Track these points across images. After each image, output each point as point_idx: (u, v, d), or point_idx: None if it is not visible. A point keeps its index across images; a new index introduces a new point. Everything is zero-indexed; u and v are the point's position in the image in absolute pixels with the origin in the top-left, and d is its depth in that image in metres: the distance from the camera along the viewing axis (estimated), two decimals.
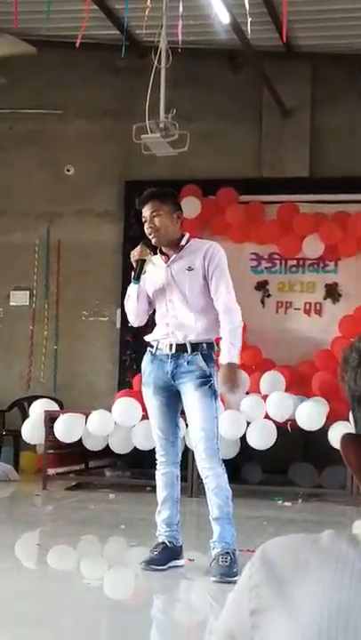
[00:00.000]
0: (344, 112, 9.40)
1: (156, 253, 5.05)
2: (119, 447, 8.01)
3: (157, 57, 6.59)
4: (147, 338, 5.10)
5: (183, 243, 5.01)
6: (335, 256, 9.23)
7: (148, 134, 6.54)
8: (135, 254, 5.01)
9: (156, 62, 6.56)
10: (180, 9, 6.71)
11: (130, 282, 10.18)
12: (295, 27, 8.23)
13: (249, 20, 6.39)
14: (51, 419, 7.99)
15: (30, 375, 10.06)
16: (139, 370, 9.20)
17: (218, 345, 4.99)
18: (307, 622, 0.87)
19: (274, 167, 9.49)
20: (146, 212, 4.98)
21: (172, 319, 4.93)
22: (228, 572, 4.63)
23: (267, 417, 7.75)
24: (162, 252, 5.05)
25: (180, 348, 4.88)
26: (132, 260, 5.04)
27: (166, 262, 5.00)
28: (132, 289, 5.07)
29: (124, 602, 4.83)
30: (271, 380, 8.24)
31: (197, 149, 8.60)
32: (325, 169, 9.40)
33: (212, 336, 4.95)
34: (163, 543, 4.95)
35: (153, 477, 7.95)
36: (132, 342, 9.72)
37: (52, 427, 7.90)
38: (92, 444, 8.05)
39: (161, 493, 5.02)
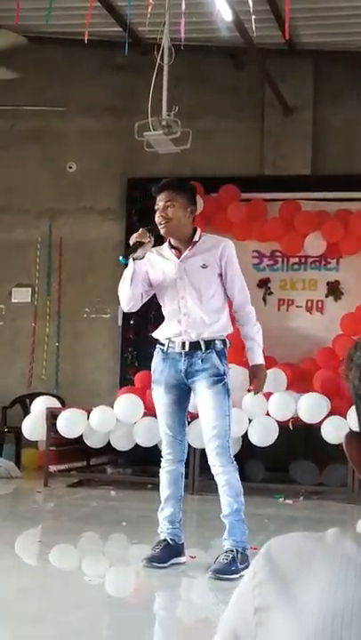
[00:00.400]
0: (346, 110, 9.40)
1: (161, 244, 4.99)
2: (121, 444, 8.01)
3: (160, 54, 6.58)
4: (155, 335, 5.06)
5: (196, 238, 4.94)
6: (337, 254, 9.23)
7: (151, 132, 6.53)
8: (134, 236, 4.93)
9: (158, 59, 6.55)
10: (183, 6, 6.70)
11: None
12: (297, 24, 8.21)
13: (253, 18, 6.38)
14: (52, 415, 7.99)
15: (32, 372, 10.06)
16: (141, 367, 9.34)
17: (230, 341, 4.96)
18: (311, 620, 0.87)
19: (276, 165, 9.49)
20: (160, 200, 4.91)
21: (183, 317, 4.89)
22: (223, 569, 4.63)
23: (267, 414, 7.75)
24: (172, 246, 4.98)
25: (194, 346, 4.85)
26: (130, 240, 4.96)
27: (178, 257, 4.94)
28: (128, 271, 4.98)
29: (126, 599, 4.83)
30: (273, 378, 8.19)
31: (200, 147, 8.59)
32: (327, 167, 9.40)
33: (225, 333, 4.91)
34: (165, 540, 4.95)
35: (154, 475, 7.95)
36: (134, 339, 9.73)
37: (54, 423, 7.91)
38: (94, 442, 8.05)
39: (165, 491, 5.01)
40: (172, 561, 4.91)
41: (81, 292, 10.02)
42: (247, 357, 5.02)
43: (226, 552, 4.74)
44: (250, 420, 7.68)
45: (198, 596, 4.83)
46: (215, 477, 4.89)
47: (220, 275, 4.90)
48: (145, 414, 7.88)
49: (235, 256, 4.96)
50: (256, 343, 4.94)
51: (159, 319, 9.67)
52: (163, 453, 5.04)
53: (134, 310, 5.26)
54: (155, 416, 7.76)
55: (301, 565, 0.91)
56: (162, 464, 5.04)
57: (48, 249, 10.13)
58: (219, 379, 4.81)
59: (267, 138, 9.55)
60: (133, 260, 4.90)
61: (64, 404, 8.87)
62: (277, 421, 7.68)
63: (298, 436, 8.13)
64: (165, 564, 4.87)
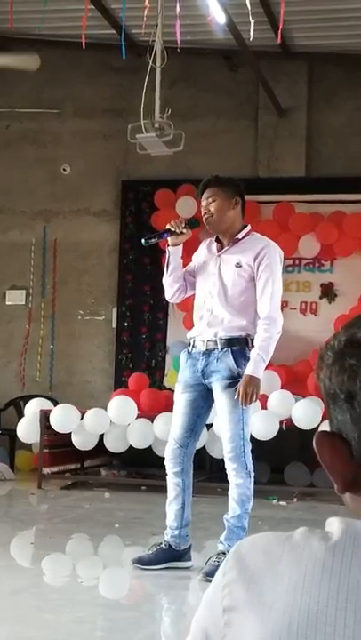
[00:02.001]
0: (340, 111, 9.41)
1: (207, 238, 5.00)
2: (115, 445, 8.01)
3: (153, 56, 6.59)
4: (188, 335, 5.00)
5: (240, 236, 4.88)
6: (331, 256, 9.24)
7: (144, 134, 6.54)
8: (170, 223, 4.88)
9: (151, 62, 6.56)
10: (178, 9, 6.70)
11: (126, 282, 10.24)
12: (291, 26, 8.23)
13: (252, 22, 6.39)
14: (46, 418, 7.99)
15: (25, 374, 10.06)
16: (135, 369, 9.35)
17: (252, 341, 4.79)
18: (277, 620, 0.88)
19: (270, 167, 9.50)
20: (203, 198, 4.90)
21: (206, 312, 4.84)
22: (214, 571, 4.60)
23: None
24: (218, 240, 4.95)
25: (211, 345, 4.79)
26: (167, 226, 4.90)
27: (218, 251, 4.91)
28: (169, 260, 4.94)
29: (118, 601, 4.83)
30: (267, 380, 8.22)
31: (194, 149, 8.61)
32: (321, 168, 9.41)
33: (245, 333, 4.78)
34: (161, 543, 4.93)
35: (149, 476, 8.01)
36: (129, 341, 9.74)
37: (48, 426, 7.91)
38: (85, 443, 8.02)
39: (169, 496, 4.92)
40: (165, 565, 4.88)
41: (75, 294, 10.02)
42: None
43: (218, 554, 4.73)
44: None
45: (191, 597, 4.83)
46: (228, 479, 4.82)
47: (253, 278, 4.79)
48: (139, 415, 7.89)
49: (274, 260, 4.82)
50: (256, 354, 4.69)
51: (153, 321, 9.78)
52: (165, 461, 4.94)
53: (178, 301, 5.17)
54: (149, 418, 7.83)
55: (269, 565, 0.91)
56: (166, 470, 4.95)
57: (43, 251, 10.13)
58: (232, 382, 4.72)
59: (261, 140, 9.56)
60: (168, 246, 4.88)
61: None
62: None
63: (291, 438, 8.13)
64: (150, 567, 4.86)
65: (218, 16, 7.08)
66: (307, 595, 0.88)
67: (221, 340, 4.78)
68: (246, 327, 4.80)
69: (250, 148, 9.61)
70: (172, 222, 4.88)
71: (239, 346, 4.79)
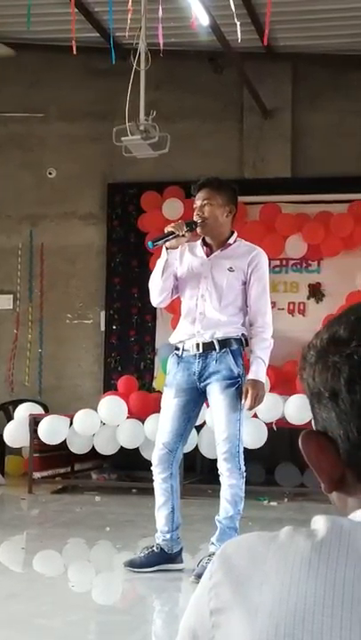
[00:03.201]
0: (325, 111, 9.43)
1: (199, 239, 4.96)
2: (105, 447, 8.00)
3: (137, 59, 6.59)
4: (170, 340, 5.01)
5: (231, 241, 4.90)
6: (318, 256, 9.25)
7: (129, 136, 6.53)
8: (171, 225, 4.85)
9: (135, 64, 6.56)
10: (160, 11, 6.71)
11: (113, 285, 10.24)
12: (275, 27, 8.24)
13: (238, 23, 6.39)
14: (35, 422, 7.98)
15: (14, 378, 10.04)
16: (124, 372, 9.33)
17: (247, 340, 4.87)
18: (265, 621, 0.87)
19: (256, 168, 9.51)
20: (198, 199, 4.87)
21: (199, 316, 4.83)
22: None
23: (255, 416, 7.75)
24: (205, 244, 4.94)
25: (208, 347, 4.78)
26: (165, 229, 4.86)
27: (208, 255, 4.90)
28: (160, 261, 4.90)
29: (110, 604, 4.82)
30: None
31: (179, 151, 8.61)
32: (307, 169, 9.43)
33: (240, 332, 4.83)
34: (152, 546, 4.93)
35: (139, 479, 8.00)
36: (117, 344, 9.74)
37: (37, 430, 7.89)
38: (77, 447, 8.03)
39: (158, 499, 4.92)
40: (155, 567, 4.88)
41: (63, 298, 10.01)
42: (249, 372, 4.85)
43: (210, 556, 4.72)
44: None
45: (183, 600, 4.82)
46: (220, 479, 4.83)
47: (245, 282, 4.84)
48: (129, 416, 7.89)
49: (264, 266, 4.90)
50: (259, 359, 4.78)
51: (142, 324, 9.78)
52: (152, 467, 4.94)
53: (164, 305, 5.19)
54: (138, 418, 7.82)
55: (255, 565, 0.91)
56: (153, 476, 4.94)
57: (29, 255, 10.11)
58: (232, 382, 4.74)
59: (246, 141, 9.57)
60: (167, 249, 4.83)
61: (47, 411, 8.85)
62: (265, 423, 7.68)
63: (282, 439, 8.14)
64: (141, 570, 4.85)
65: (201, 18, 7.09)
66: (293, 594, 0.87)
67: (219, 341, 4.79)
68: (241, 328, 4.85)
69: (235, 150, 9.62)
70: (174, 225, 4.85)
71: (237, 345, 4.82)
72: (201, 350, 4.80)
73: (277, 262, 9.39)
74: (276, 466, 8.38)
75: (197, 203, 4.89)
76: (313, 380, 1.00)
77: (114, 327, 9.76)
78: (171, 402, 4.87)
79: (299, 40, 8.81)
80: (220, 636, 0.91)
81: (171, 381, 4.90)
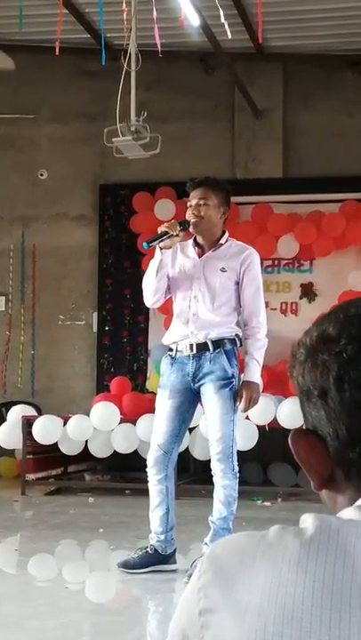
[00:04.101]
0: (316, 111, 9.44)
1: (192, 239, 4.94)
2: (99, 451, 8.00)
3: (127, 60, 6.59)
4: (163, 340, 5.00)
5: (223, 241, 4.89)
6: (310, 256, 9.26)
7: (120, 137, 6.52)
8: (164, 225, 4.81)
9: (126, 65, 6.56)
10: (152, 12, 6.70)
11: (106, 286, 10.22)
12: (266, 28, 8.23)
13: (225, 22, 6.39)
14: (28, 424, 7.97)
15: (6, 380, 10.02)
16: (116, 373, 9.33)
17: (240, 340, 4.86)
18: (254, 620, 0.87)
19: (247, 168, 9.51)
20: (193, 197, 4.84)
21: (192, 317, 4.81)
22: None
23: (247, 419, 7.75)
24: (196, 244, 4.93)
25: (202, 348, 4.77)
26: (158, 229, 4.83)
27: (200, 256, 4.89)
28: (154, 262, 4.86)
29: (104, 605, 4.82)
30: None
31: (171, 151, 8.61)
32: (299, 169, 9.43)
33: (234, 332, 4.82)
34: (147, 547, 4.92)
35: (132, 480, 7.99)
36: (110, 345, 9.73)
37: (30, 432, 7.88)
38: (70, 449, 8.03)
39: (151, 501, 4.92)
40: (150, 568, 4.88)
41: (55, 299, 10.00)
42: (243, 373, 4.85)
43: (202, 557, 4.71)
44: None
45: (176, 600, 4.82)
46: (213, 480, 4.83)
47: (238, 282, 4.84)
48: (122, 420, 7.88)
49: (257, 266, 4.90)
50: (254, 360, 4.78)
51: (134, 325, 9.77)
52: (148, 468, 4.92)
53: (157, 306, 5.15)
54: (131, 422, 7.81)
55: (244, 565, 0.91)
56: (148, 477, 4.93)
57: (21, 256, 10.10)
58: (226, 382, 4.74)
59: (238, 141, 9.58)
60: (160, 249, 4.79)
61: (40, 412, 8.84)
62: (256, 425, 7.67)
63: (275, 439, 8.14)
64: (135, 571, 4.85)
65: (192, 18, 7.09)
66: (282, 593, 0.87)
67: (213, 341, 4.78)
68: (234, 328, 4.85)
69: (227, 150, 9.62)
70: (167, 224, 4.81)
71: (231, 346, 4.82)
72: (195, 351, 4.79)
73: (270, 262, 9.40)
74: (270, 465, 8.38)
75: (192, 201, 4.86)
76: (302, 377, 1.00)
77: (106, 328, 9.75)
78: (165, 403, 4.86)
79: (290, 40, 8.82)
80: (210, 637, 0.90)
81: (165, 383, 4.89)
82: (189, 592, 0.95)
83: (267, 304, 9.30)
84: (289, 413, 7.62)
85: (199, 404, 4.99)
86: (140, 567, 4.87)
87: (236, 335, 4.85)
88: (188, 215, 4.86)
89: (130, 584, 4.84)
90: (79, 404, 9.23)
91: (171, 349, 4.91)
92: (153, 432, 4.96)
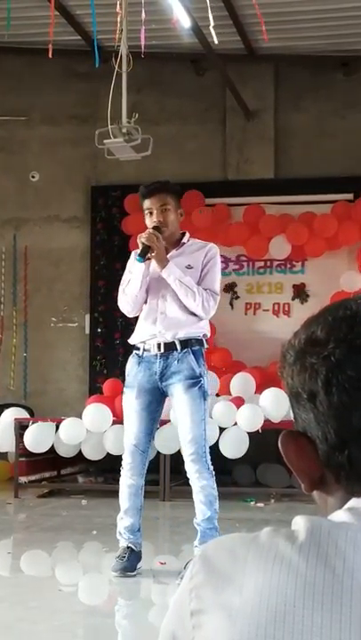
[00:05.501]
0: (307, 112, 9.45)
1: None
2: (92, 454, 7.99)
3: (118, 62, 6.58)
4: (131, 341, 5.00)
5: (185, 240, 4.95)
6: (302, 256, 9.27)
7: (111, 139, 6.52)
8: (144, 237, 4.77)
9: (117, 67, 6.55)
10: (142, 14, 6.70)
11: (98, 288, 10.20)
12: (256, 29, 8.25)
13: (213, 30, 6.39)
14: (21, 426, 7.96)
15: None
16: (109, 375, 9.32)
17: (207, 340, 4.94)
18: (245, 622, 0.87)
19: (239, 169, 9.52)
20: (154, 204, 4.85)
21: (160, 316, 4.83)
22: None
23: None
24: None
25: (169, 347, 4.79)
26: (139, 241, 4.82)
27: None
28: (137, 271, 4.87)
29: (98, 607, 4.81)
30: (242, 382, 8.24)
31: (162, 153, 8.61)
32: (290, 170, 9.44)
33: (202, 333, 4.87)
34: (129, 548, 4.92)
35: None
36: (102, 347, 9.72)
37: (23, 434, 7.87)
38: (64, 452, 8.03)
39: (124, 503, 4.94)
40: (137, 567, 4.90)
41: (47, 302, 9.99)
42: None
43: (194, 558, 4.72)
44: (220, 430, 7.61)
45: (169, 602, 4.81)
46: (190, 483, 4.86)
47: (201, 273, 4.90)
48: (114, 422, 7.86)
49: (217, 259, 4.98)
50: (183, 280, 4.80)
51: (127, 327, 9.75)
52: (123, 463, 4.95)
53: (133, 315, 5.18)
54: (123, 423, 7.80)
55: (236, 567, 0.91)
56: (121, 473, 4.96)
57: (13, 259, 10.09)
58: (195, 382, 4.76)
59: (229, 142, 9.58)
60: (144, 260, 4.81)
61: (33, 415, 8.83)
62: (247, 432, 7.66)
63: (267, 440, 8.14)
64: (134, 572, 4.87)
65: (183, 20, 7.09)
66: (274, 595, 0.87)
67: (181, 341, 4.80)
68: (202, 327, 4.90)
69: (218, 151, 9.63)
70: (146, 237, 4.76)
71: (198, 345, 4.85)
72: (162, 350, 4.82)
73: (262, 263, 9.42)
74: (263, 467, 8.37)
75: (154, 208, 4.85)
76: (291, 379, 1.00)
77: (99, 330, 9.74)
78: (134, 402, 4.87)
79: (280, 42, 8.82)
80: (201, 637, 0.90)
81: (132, 382, 4.90)
82: (181, 593, 0.95)
83: (259, 305, 9.46)
84: (276, 407, 7.59)
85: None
86: (132, 570, 4.88)
87: (204, 335, 4.90)
88: (150, 222, 4.87)
89: (122, 586, 4.83)
90: (72, 406, 9.22)
91: (137, 348, 4.92)
92: (125, 433, 4.95)
